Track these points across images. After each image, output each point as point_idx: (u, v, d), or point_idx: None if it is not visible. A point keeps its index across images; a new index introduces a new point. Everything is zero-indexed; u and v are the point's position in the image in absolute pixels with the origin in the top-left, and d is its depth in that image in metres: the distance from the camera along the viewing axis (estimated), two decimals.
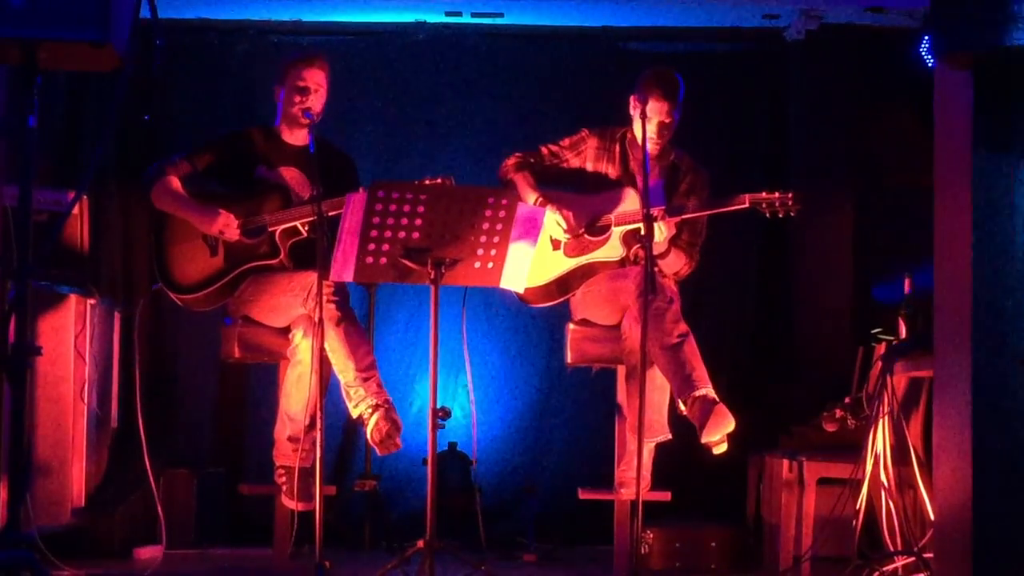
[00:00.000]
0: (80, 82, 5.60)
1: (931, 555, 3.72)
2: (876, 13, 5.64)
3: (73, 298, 4.78)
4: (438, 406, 3.89)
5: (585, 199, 4.71)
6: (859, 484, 4.13)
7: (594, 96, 5.63)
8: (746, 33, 5.89)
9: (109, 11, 2.94)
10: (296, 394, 4.34)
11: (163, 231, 4.60)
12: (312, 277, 4.25)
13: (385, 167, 5.71)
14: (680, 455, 4.85)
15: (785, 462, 4.57)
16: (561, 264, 4.67)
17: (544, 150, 4.80)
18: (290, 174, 4.66)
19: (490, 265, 4.03)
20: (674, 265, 4.65)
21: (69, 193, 4.89)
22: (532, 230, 4.07)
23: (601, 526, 4.82)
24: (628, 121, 4.71)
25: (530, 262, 4.12)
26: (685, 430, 4.37)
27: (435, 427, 3.88)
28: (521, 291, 4.50)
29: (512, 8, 5.69)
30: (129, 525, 4.94)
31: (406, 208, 3.87)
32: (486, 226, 3.95)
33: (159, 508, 4.53)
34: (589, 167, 4.77)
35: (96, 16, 2.92)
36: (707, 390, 4.26)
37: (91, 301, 4.89)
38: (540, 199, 4.62)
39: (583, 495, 4.66)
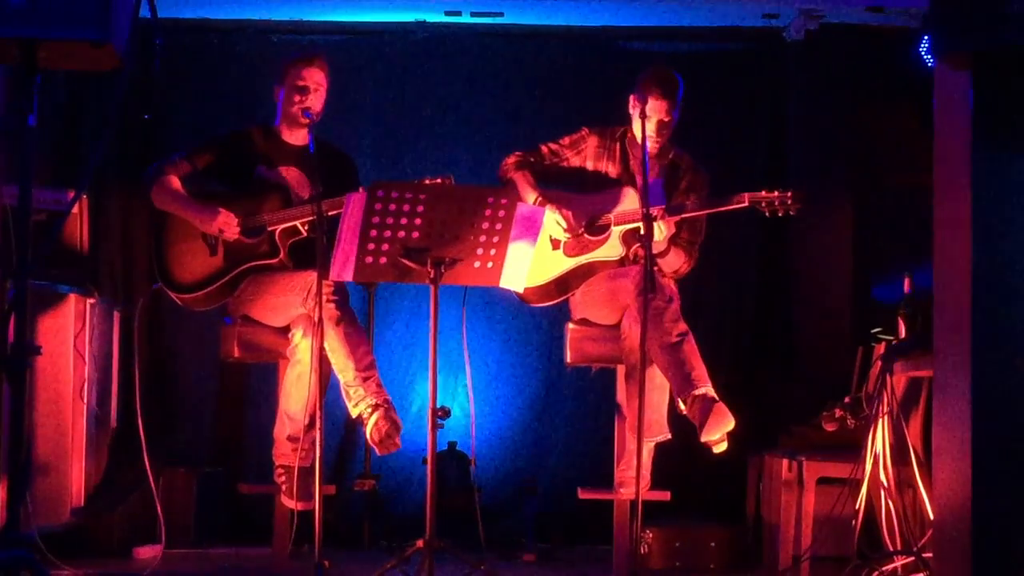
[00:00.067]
0: (80, 82, 5.61)
1: (930, 555, 3.72)
2: (876, 13, 5.64)
3: (73, 297, 4.78)
4: (437, 406, 3.89)
5: (585, 198, 4.71)
6: (859, 484, 4.13)
7: (594, 96, 5.63)
8: (746, 33, 5.89)
9: (109, 11, 2.94)
10: (296, 394, 4.34)
11: (163, 230, 4.60)
12: (312, 277, 4.25)
13: (385, 167, 5.71)
14: (680, 455, 4.85)
15: (785, 462, 4.57)
16: (561, 263, 4.67)
17: (544, 149, 4.80)
18: (290, 174, 4.65)
19: (490, 265, 4.03)
20: (674, 264, 4.65)
21: (69, 192, 4.90)
22: (532, 229, 4.07)
23: (601, 526, 4.82)
24: (628, 120, 4.72)
25: (530, 262, 4.11)
26: (685, 430, 4.37)
27: (434, 427, 3.88)
28: (521, 291, 4.50)
29: (512, 8, 5.69)
30: (128, 524, 4.94)
31: (406, 208, 3.87)
32: (486, 226, 3.95)
33: (158, 507, 4.53)
34: (589, 166, 4.77)
35: (96, 16, 2.92)
36: (706, 389, 4.26)
37: (91, 300, 4.89)
38: (540, 198, 4.62)
39: (582, 495, 4.66)
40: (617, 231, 4.64)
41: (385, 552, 5.05)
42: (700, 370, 4.30)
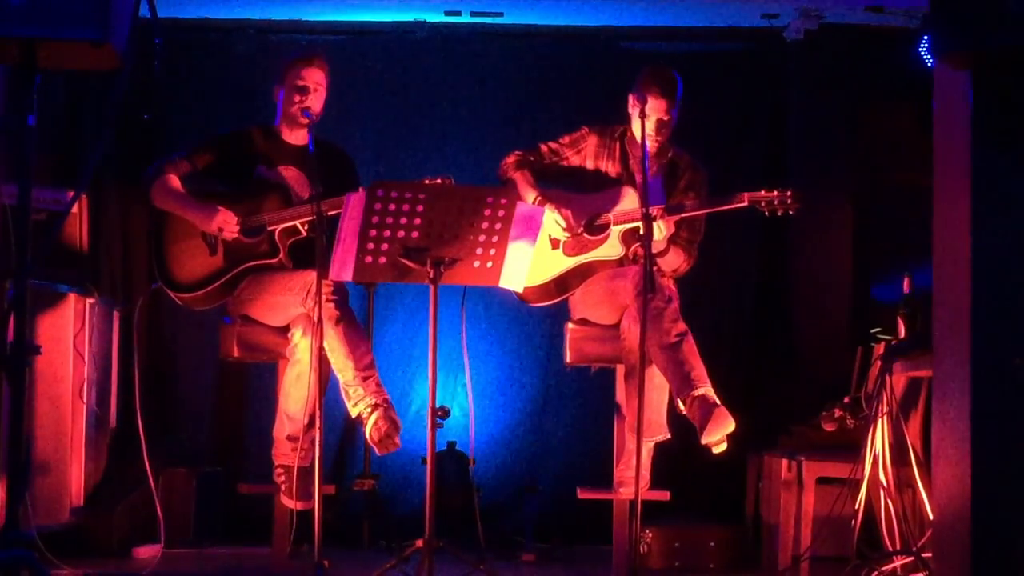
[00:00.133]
0: (79, 81, 5.60)
1: (930, 555, 3.72)
2: (876, 13, 5.64)
3: (72, 297, 4.78)
4: (437, 405, 3.89)
5: (584, 198, 4.71)
6: (858, 484, 4.13)
7: (594, 95, 5.63)
8: (745, 32, 5.88)
9: (108, 10, 2.94)
10: (295, 393, 4.34)
11: (163, 230, 4.60)
12: (311, 276, 4.25)
13: (385, 167, 5.71)
14: (679, 455, 4.85)
15: (784, 461, 4.57)
16: (560, 263, 4.67)
17: (544, 148, 4.80)
18: (290, 173, 4.66)
19: (489, 264, 4.03)
20: (673, 263, 4.65)
21: (68, 192, 4.90)
22: (531, 229, 4.07)
23: (600, 525, 4.82)
24: (627, 119, 4.72)
25: (529, 261, 4.12)
26: (684, 430, 4.37)
27: (434, 426, 3.88)
28: (520, 290, 4.50)
29: (512, 7, 5.69)
30: (128, 524, 4.94)
31: (405, 207, 3.87)
32: (485, 225, 3.95)
33: (158, 507, 4.53)
34: (589, 165, 4.77)
35: (95, 15, 2.92)
36: (706, 390, 4.26)
37: (90, 300, 4.89)
38: (539, 198, 4.62)
39: (582, 494, 4.66)
40: (616, 230, 4.64)
41: (384, 552, 5.04)
42: (699, 370, 4.30)
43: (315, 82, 4.61)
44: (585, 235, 4.66)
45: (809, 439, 4.62)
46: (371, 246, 3.90)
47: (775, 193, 4.53)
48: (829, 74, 5.78)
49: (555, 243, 4.67)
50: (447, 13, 5.73)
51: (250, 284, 4.53)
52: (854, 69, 5.77)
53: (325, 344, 4.22)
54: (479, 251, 3.99)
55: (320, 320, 3.96)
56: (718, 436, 4.19)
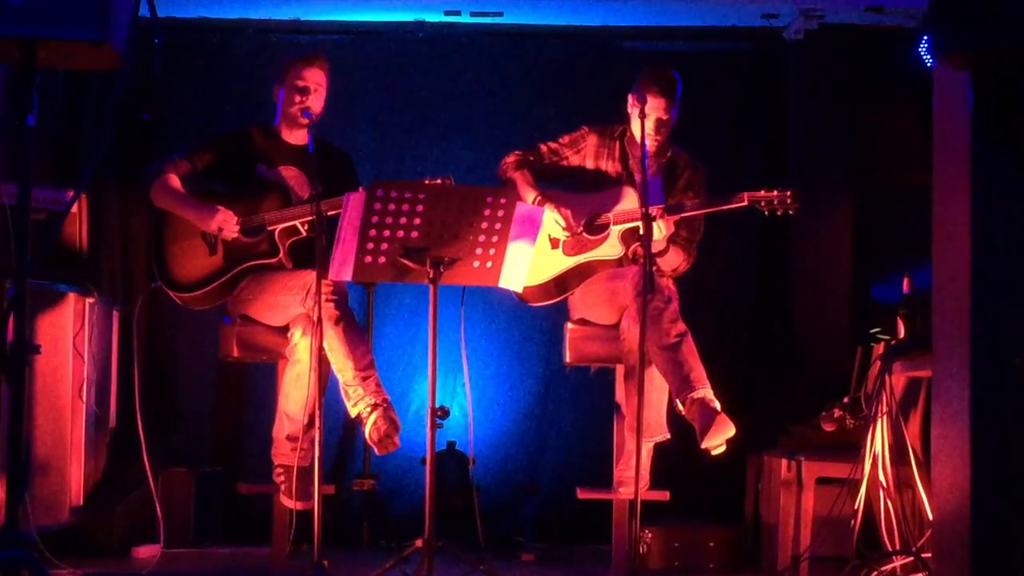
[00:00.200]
0: (79, 81, 5.60)
1: (929, 555, 3.72)
2: (875, 13, 5.64)
3: (72, 297, 4.78)
4: (437, 405, 3.89)
5: (584, 198, 4.71)
6: (857, 484, 4.13)
7: (594, 95, 5.63)
8: (745, 32, 5.88)
9: (108, 10, 2.94)
10: (295, 393, 4.34)
11: (162, 229, 4.60)
12: (311, 276, 4.25)
13: (385, 166, 5.71)
14: (679, 455, 4.85)
15: (784, 462, 4.57)
16: (560, 263, 4.67)
17: (543, 148, 4.80)
18: (290, 173, 4.66)
19: (489, 264, 4.03)
20: (672, 262, 4.66)
21: (68, 192, 4.89)
22: (531, 229, 4.07)
23: (600, 525, 4.81)
24: (627, 119, 4.72)
25: (529, 261, 4.11)
26: (684, 430, 4.37)
27: (433, 426, 3.88)
28: (520, 290, 4.49)
29: (511, 7, 5.69)
30: (127, 524, 4.94)
31: (405, 207, 3.87)
32: (485, 225, 3.95)
33: (157, 507, 4.53)
34: (589, 164, 4.77)
35: (95, 15, 2.92)
36: (705, 391, 4.26)
37: (90, 300, 4.89)
38: (539, 198, 4.63)
39: (582, 494, 4.66)
40: (616, 230, 4.64)
41: (384, 552, 5.04)
42: (699, 371, 4.30)
43: (315, 82, 4.61)
44: (585, 235, 4.66)
45: (809, 439, 4.62)
46: (371, 246, 3.90)
47: (775, 193, 4.53)
48: (829, 74, 5.78)
49: (555, 243, 4.67)
50: (447, 13, 5.73)
51: (250, 284, 4.53)
52: (854, 69, 5.77)
53: (325, 344, 4.22)
54: (479, 251, 3.99)
55: (320, 320, 3.96)
56: (718, 441, 4.20)
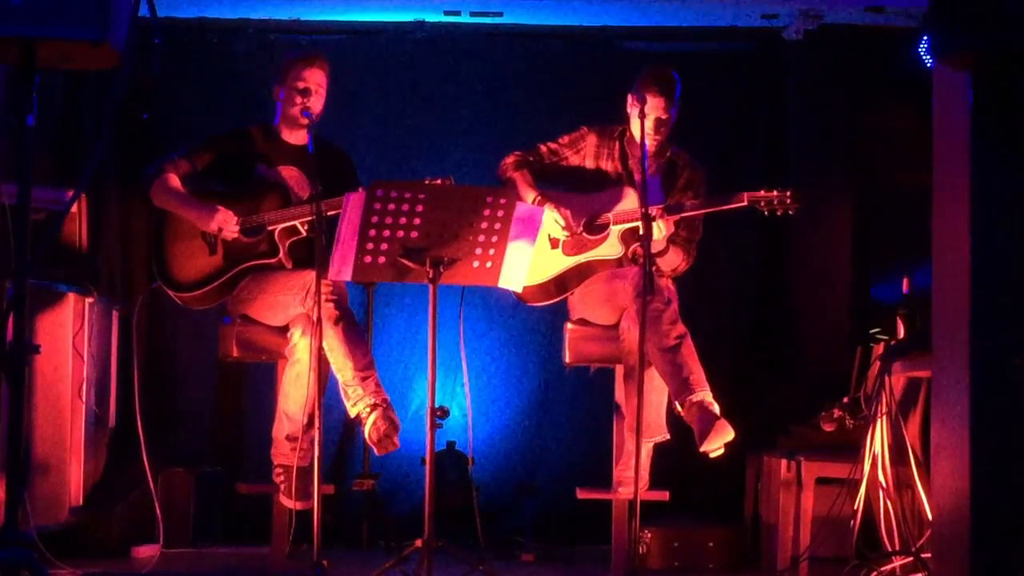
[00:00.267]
0: (79, 81, 5.60)
1: (929, 555, 3.72)
2: (875, 13, 5.64)
3: (71, 296, 4.78)
4: (436, 405, 3.89)
5: (583, 198, 4.71)
6: (857, 484, 4.13)
7: (593, 95, 5.63)
8: (745, 33, 5.88)
9: (108, 10, 2.93)
10: (294, 393, 4.34)
11: (162, 229, 4.60)
12: (310, 276, 4.25)
13: (385, 167, 5.70)
14: (678, 455, 4.84)
15: (783, 462, 4.57)
16: (559, 263, 4.67)
17: (543, 148, 4.80)
18: (289, 173, 4.65)
19: (488, 264, 4.03)
20: (672, 262, 4.66)
21: (68, 192, 4.89)
22: (530, 229, 4.07)
23: (599, 525, 4.82)
24: (626, 119, 4.72)
25: (528, 261, 4.11)
26: (683, 430, 4.37)
27: (433, 426, 3.88)
28: (519, 290, 4.49)
29: (511, 7, 5.68)
30: (127, 524, 4.94)
31: (405, 207, 3.87)
32: (484, 225, 3.95)
33: (157, 507, 4.53)
34: (589, 164, 4.78)
35: (95, 15, 2.92)
36: (704, 395, 4.26)
37: (89, 299, 4.89)
38: (538, 198, 4.63)
39: (581, 495, 4.66)
40: (616, 230, 4.64)
41: (384, 552, 5.04)
42: (698, 374, 4.30)
43: (316, 83, 4.61)
44: (584, 235, 4.66)
45: (808, 439, 4.62)
46: (370, 246, 3.90)
47: (775, 193, 4.53)
48: (829, 74, 5.78)
49: (554, 243, 4.67)
50: (447, 13, 5.73)
51: (249, 284, 4.53)
52: (854, 69, 5.77)
53: (324, 344, 4.22)
54: (478, 251, 3.99)
55: (319, 320, 3.96)
56: (716, 445, 4.20)
